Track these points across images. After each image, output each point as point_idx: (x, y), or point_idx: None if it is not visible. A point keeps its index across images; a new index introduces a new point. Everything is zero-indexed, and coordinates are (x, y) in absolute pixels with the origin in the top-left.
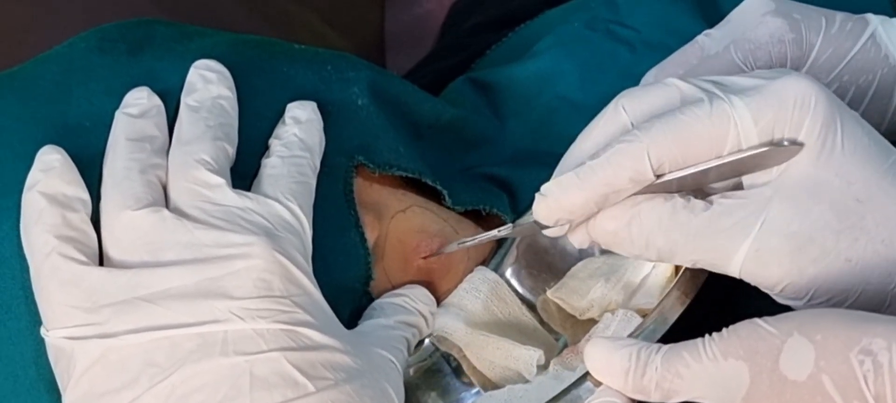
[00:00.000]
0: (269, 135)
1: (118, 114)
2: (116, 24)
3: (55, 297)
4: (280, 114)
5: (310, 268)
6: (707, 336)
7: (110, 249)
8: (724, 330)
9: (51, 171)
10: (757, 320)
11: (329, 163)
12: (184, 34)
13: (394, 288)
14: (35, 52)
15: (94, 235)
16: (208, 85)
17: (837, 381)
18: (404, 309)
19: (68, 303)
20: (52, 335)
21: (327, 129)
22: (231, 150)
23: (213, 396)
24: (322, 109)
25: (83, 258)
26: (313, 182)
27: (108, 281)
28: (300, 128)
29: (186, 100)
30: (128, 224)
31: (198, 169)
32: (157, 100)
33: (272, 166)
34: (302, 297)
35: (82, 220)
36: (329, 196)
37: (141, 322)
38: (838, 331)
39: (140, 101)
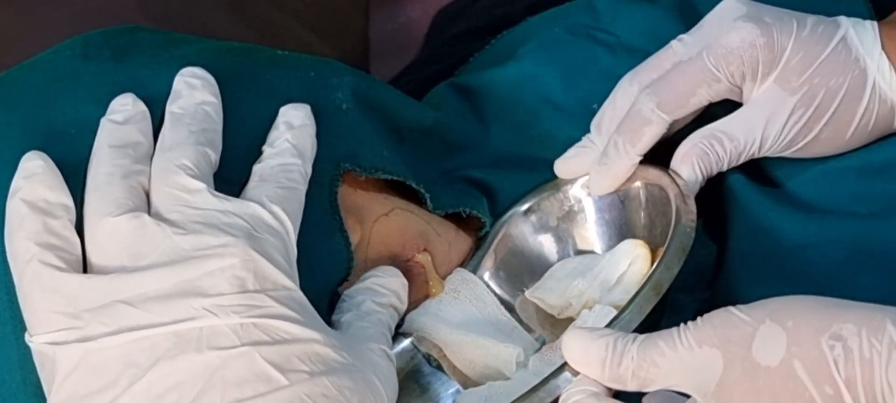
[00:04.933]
0: (254, 141)
1: (103, 122)
2: (101, 31)
3: (37, 304)
4: (264, 120)
5: (291, 270)
6: (682, 325)
7: (92, 255)
8: (699, 318)
9: (33, 178)
10: (730, 308)
11: (315, 170)
12: (168, 41)
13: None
14: (21, 60)
15: (78, 241)
16: (192, 91)
17: (809, 366)
18: (375, 291)
19: (50, 309)
20: (36, 340)
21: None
22: (214, 156)
23: (189, 393)
24: None
25: (63, 264)
26: (302, 187)
27: (88, 286)
28: (292, 134)
29: (171, 107)
30: (109, 229)
31: (178, 174)
32: (142, 107)
33: (260, 172)
34: (279, 292)
35: (64, 226)
36: (314, 202)
37: (120, 324)
38: (810, 318)
39: (125, 108)
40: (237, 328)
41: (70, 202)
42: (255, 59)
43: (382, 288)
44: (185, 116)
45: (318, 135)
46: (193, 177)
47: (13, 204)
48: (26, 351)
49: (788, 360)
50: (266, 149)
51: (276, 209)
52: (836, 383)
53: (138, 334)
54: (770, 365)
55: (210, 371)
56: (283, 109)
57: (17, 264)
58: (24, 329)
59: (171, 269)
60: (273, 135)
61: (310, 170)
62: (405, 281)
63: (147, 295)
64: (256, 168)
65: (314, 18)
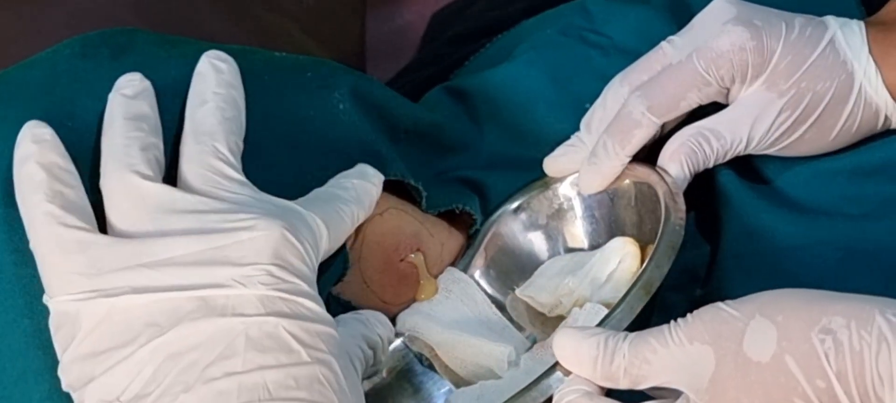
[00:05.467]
0: (249, 143)
1: (113, 96)
2: (99, 32)
3: (59, 265)
4: (260, 122)
5: (315, 261)
6: (672, 321)
7: (115, 220)
8: (689, 314)
9: (44, 143)
10: (720, 304)
11: (309, 176)
12: (165, 41)
13: (369, 290)
14: (16, 62)
15: (91, 209)
16: (221, 75)
17: (800, 360)
18: (365, 326)
19: (72, 271)
20: (57, 300)
21: (310, 137)
22: (241, 145)
23: (208, 354)
24: (303, 116)
25: (87, 225)
26: (349, 224)
27: (113, 248)
28: (361, 183)
29: (201, 86)
30: (133, 192)
31: (215, 159)
32: (148, 84)
33: (317, 193)
34: (304, 271)
35: (77, 195)
36: None
37: (145, 285)
38: (799, 311)
39: (133, 83)
40: (263, 298)
41: (76, 172)
42: (251, 60)
43: (372, 327)
44: (219, 99)
45: (315, 136)
46: (228, 164)
47: (28, 169)
48: (41, 320)
49: (780, 355)
50: (331, 180)
51: (316, 216)
52: (828, 376)
53: (163, 295)
54: (761, 361)
55: (233, 335)
56: (365, 166)
57: (36, 226)
58: (38, 297)
59: (199, 238)
60: (344, 174)
61: (360, 220)
62: (393, 333)
63: (174, 260)
64: (315, 190)
65: (310, 21)
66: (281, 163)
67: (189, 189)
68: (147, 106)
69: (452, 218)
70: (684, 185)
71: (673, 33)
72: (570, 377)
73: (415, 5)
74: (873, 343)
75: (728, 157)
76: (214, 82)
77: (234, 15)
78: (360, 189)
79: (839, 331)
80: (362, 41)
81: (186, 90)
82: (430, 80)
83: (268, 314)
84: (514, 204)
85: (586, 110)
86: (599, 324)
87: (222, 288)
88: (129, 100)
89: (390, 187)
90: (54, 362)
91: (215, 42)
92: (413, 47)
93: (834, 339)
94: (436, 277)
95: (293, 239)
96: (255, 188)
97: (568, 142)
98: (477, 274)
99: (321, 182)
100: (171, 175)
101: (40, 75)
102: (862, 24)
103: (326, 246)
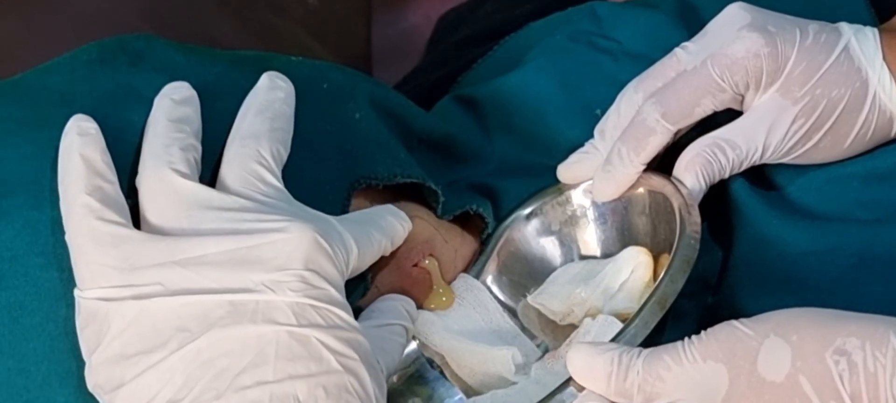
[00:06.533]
0: None
1: (159, 100)
2: (116, 38)
3: (92, 258)
4: None
5: (346, 269)
6: (686, 339)
7: (149, 215)
8: (703, 332)
9: (88, 137)
10: (734, 322)
11: (328, 186)
12: (182, 49)
13: (381, 295)
14: (23, 68)
15: (127, 206)
16: (276, 91)
17: (814, 381)
18: (399, 312)
19: (105, 264)
20: (87, 295)
21: (327, 149)
22: (285, 156)
23: (239, 361)
24: (320, 128)
25: (122, 220)
26: (376, 251)
27: (146, 244)
28: (391, 219)
29: (254, 99)
30: (169, 189)
31: (255, 163)
32: (195, 93)
33: (350, 215)
34: (335, 277)
35: (117, 191)
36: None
37: (176, 285)
38: (814, 331)
39: (180, 89)
40: (294, 305)
41: (114, 168)
42: (268, 68)
43: (404, 311)
44: (268, 110)
45: (331, 149)
46: (269, 170)
47: (73, 160)
48: (66, 324)
49: (794, 375)
50: (365, 210)
51: (347, 232)
52: (842, 397)
53: (193, 298)
54: (775, 381)
55: (263, 343)
56: (392, 205)
57: (73, 217)
58: (63, 300)
59: (232, 238)
60: (376, 208)
61: (385, 252)
62: (416, 315)
63: (205, 260)
64: (348, 214)
65: (317, 25)
66: (300, 173)
67: (226, 189)
68: (192, 112)
69: (465, 223)
70: (699, 197)
71: (682, 38)
72: (584, 393)
73: (421, 8)
74: (888, 365)
75: (743, 167)
76: (269, 97)
77: (240, 18)
78: (390, 224)
79: (854, 352)
80: (368, 44)
81: (205, 97)
82: (436, 84)
83: (300, 324)
84: (527, 210)
85: (597, 116)
86: (613, 339)
87: (253, 293)
88: (175, 104)
89: (404, 194)
90: (79, 366)
91: (222, 46)
92: (419, 50)
93: (848, 360)
94: (449, 283)
95: (325, 244)
96: (291, 197)
97: (582, 149)
98: (489, 280)
99: (341, 192)
100: (205, 182)
101: (60, 81)
102: (876, 30)
103: (355, 263)
